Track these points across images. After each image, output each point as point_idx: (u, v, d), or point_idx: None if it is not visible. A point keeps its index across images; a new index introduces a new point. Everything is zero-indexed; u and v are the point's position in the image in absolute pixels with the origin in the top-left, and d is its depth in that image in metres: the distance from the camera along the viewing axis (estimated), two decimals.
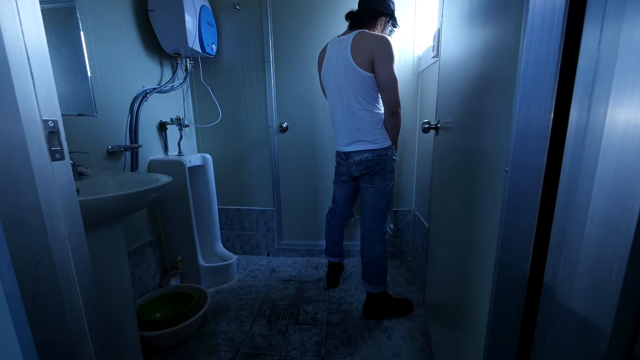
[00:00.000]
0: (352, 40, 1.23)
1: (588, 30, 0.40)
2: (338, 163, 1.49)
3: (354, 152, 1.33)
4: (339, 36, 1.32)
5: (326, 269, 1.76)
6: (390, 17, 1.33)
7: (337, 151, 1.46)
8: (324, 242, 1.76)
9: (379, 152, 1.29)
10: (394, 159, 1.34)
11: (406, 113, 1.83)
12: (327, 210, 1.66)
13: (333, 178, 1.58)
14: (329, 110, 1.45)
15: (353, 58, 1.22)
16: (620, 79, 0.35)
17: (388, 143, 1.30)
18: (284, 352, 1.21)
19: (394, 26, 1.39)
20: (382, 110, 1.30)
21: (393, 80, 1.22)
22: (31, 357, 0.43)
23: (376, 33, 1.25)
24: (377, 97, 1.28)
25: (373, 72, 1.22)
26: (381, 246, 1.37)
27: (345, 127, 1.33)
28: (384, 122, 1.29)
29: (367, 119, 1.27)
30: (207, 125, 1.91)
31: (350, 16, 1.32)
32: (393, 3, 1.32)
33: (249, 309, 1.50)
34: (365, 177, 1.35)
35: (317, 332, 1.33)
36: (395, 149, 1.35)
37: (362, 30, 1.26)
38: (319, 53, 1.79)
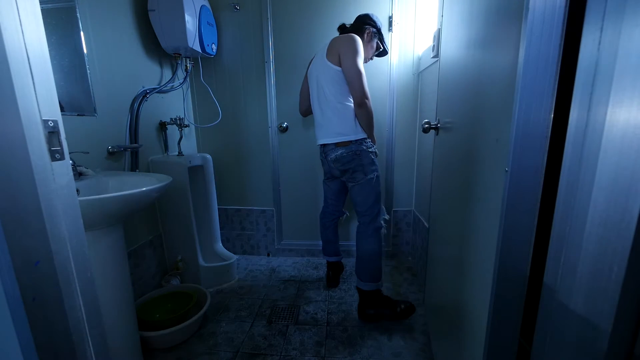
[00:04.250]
0: (329, 42, 1.35)
1: (588, 30, 0.40)
2: (321, 160, 1.53)
3: (329, 147, 1.36)
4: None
5: (326, 269, 1.76)
6: (377, 31, 1.42)
7: (319, 146, 1.48)
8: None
9: (352, 147, 1.31)
10: (370, 152, 1.34)
11: (406, 113, 1.83)
12: (321, 210, 1.67)
13: None
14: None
15: (327, 56, 1.32)
16: (620, 79, 0.35)
17: (361, 135, 1.32)
18: (284, 352, 1.21)
19: (381, 47, 1.47)
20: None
21: (357, 72, 1.25)
22: (31, 357, 0.43)
23: (347, 34, 1.31)
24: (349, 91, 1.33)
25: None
26: (373, 240, 1.37)
27: (321, 118, 1.38)
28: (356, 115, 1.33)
29: (340, 111, 1.32)
30: (207, 125, 1.91)
31: (340, 28, 1.46)
32: (379, 23, 1.43)
33: (249, 309, 1.50)
34: (346, 175, 1.37)
35: (317, 332, 1.33)
36: (373, 142, 1.37)
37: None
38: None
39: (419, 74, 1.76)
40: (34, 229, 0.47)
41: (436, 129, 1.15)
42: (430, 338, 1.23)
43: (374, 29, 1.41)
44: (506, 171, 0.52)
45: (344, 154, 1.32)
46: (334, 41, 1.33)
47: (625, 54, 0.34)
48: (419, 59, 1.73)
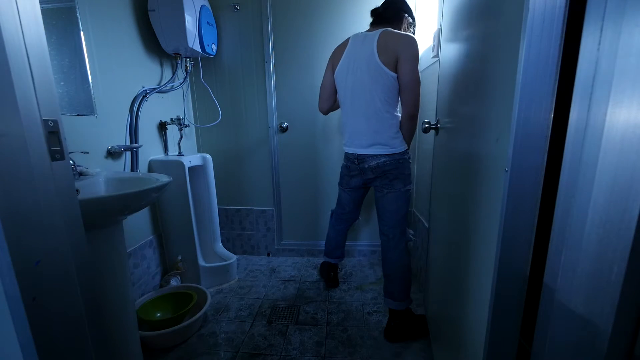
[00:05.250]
0: (379, 36, 1.17)
1: (588, 30, 0.40)
2: (347, 167, 1.40)
3: (370, 156, 1.26)
4: (363, 32, 1.27)
5: (326, 270, 1.75)
6: (413, 21, 1.33)
7: (346, 154, 1.37)
8: (323, 242, 1.75)
9: (395, 157, 1.23)
10: (410, 163, 1.29)
11: None
12: (331, 213, 1.65)
13: (336, 180, 1.56)
14: (341, 109, 1.37)
15: (379, 56, 1.16)
16: (620, 79, 0.35)
17: (404, 147, 1.25)
18: (284, 352, 1.21)
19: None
20: (400, 113, 1.25)
21: (418, 82, 1.16)
22: (31, 357, 0.43)
23: (402, 32, 1.21)
24: (398, 99, 1.23)
25: (397, 72, 1.17)
26: (406, 254, 1.28)
27: (364, 127, 1.25)
28: (400, 126, 1.24)
29: (388, 122, 1.21)
30: (207, 125, 1.91)
31: (375, 13, 1.29)
32: (414, 17, 1.33)
33: (249, 309, 1.50)
34: (383, 181, 1.27)
35: (317, 332, 1.33)
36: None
37: (388, 28, 1.21)
38: (319, 53, 1.77)
39: (419, 74, 1.76)
40: (33, 229, 0.47)
41: (436, 129, 1.15)
42: (430, 338, 1.23)
43: (411, 19, 1.30)
44: (506, 171, 0.52)
45: (387, 162, 1.23)
46: (387, 38, 1.16)
47: (625, 54, 0.34)
48: (419, 59, 1.73)
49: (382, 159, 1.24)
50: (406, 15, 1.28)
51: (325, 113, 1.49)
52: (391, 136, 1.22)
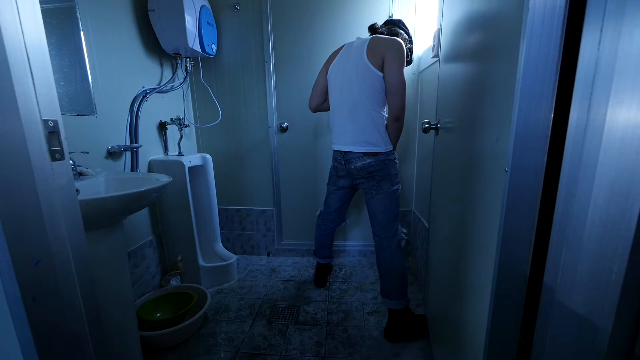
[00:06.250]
0: (370, 40, 1.24)
1: (588, 30, 0.40)
2: (335, 167, 1.43)
3: (355, 155, 1.28)
4: (358, 37, 1.32)
5: (315, 270, 1.77)
6: (409, 39, 1.37)
7: (334, 153, 1.40)
8: None
9: (380, 157, 1.26)
10: (396, 162, 1.31)
11: (406, 113, 1.82)
12: (318, 213, 1.66)
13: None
14: (330, 107, 1.40)
15: (367, 56, 1.20)
16: (620, 79, 0.35)
17: (389, 147, 1.27)
18: (284, 352, 1.21)
19: (408, 56, 1.38)
20: (387, 114, 1.27)
21: (401, 83, 1.18)
22: (31, 357, 0.43)
23: (391, 37, 1.24)
24: (385, 100, 1.25)
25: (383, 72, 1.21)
26: (399, 254, 1.29)
27: (350, 125, 1.28)
28: (386, 126, 1.26)
29: (374, 120, 1.24)
30: (207, 125, 1.91)
31: (371, 28, 1.36)
32: (411, 36, 1.38)
33: (249, 309, 1.50)
34: (371, 183, 1.29)
35: (317, 332, 1.33)
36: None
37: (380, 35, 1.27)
38: (319, 53, 1.78)
39: (419, 74, 1.76)
40: (34, 229, 0.47)
41: (436, 129, 1.15)
42: (430, 338, 1.23)
43: (407, 37, 1.35)
44: (506, 171, 0.52)
45: (372, 163, 1.26)
46: (377, 42, 1.22)
47: (625, 54, 0.34)
48: (419, 59, 1.73)
49: (367, 160, 1.26)
50: (401, 32, 1.33)
51: (314, 110, 1.52)
52: (377, 135, 1.25)
